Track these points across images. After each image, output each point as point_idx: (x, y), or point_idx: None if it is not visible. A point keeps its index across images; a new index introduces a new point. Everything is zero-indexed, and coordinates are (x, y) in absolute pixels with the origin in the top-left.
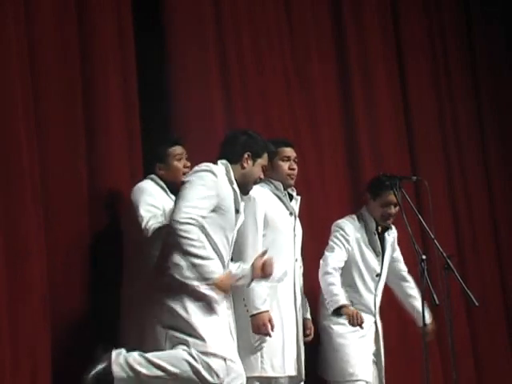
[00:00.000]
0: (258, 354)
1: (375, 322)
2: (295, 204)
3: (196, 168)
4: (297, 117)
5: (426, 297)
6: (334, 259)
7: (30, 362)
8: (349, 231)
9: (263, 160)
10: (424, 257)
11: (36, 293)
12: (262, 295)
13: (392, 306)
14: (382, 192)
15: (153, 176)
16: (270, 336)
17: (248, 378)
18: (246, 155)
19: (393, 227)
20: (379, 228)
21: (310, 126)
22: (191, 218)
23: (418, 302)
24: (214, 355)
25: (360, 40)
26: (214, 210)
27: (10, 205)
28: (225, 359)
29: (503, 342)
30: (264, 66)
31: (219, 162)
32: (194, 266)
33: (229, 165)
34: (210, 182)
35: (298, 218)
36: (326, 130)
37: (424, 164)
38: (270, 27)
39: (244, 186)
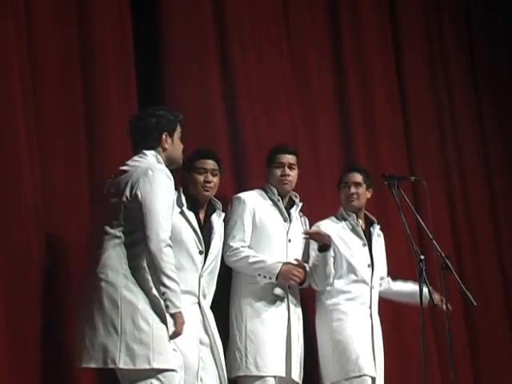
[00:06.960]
0: (243, 353)
1: (370, 315)
2: (295, 210)
3: (148, 172)
4: (293, 117)
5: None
6: None
7: None
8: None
9: (178, 131)
10: (422, 257)
11: (35, 293)
12: (273, 260)
13: (388, 304)
14: (342, 177)
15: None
16: (304, 278)
17: (236, 378)
18: (163, 136)
19: (377, 226)
20: (360, 221)
21: (306, 127)
22: (168, 239)
23: (410, 284)
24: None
25: (357, 40)
26: None
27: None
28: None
29: (504, 342)
30: (262, 66)
31: (148, 152)
32: (167, 288)
33: (157, 154)
34: (169, 187)
35: (295, 224)
36: (323, 130)
37: (422, 164)
38: (268, 26)
39: (171, 166)
